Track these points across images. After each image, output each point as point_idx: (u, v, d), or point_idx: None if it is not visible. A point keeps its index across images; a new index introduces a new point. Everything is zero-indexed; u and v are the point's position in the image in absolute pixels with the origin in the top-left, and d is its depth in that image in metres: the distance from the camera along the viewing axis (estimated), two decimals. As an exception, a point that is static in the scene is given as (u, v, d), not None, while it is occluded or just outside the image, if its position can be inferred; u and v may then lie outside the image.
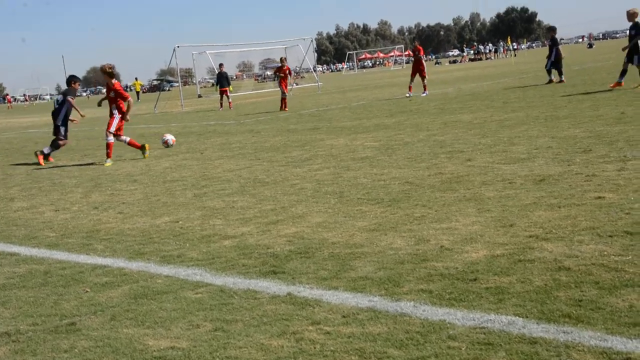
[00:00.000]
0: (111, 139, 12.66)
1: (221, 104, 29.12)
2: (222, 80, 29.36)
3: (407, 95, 23.82)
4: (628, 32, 17.81)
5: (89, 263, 5.53)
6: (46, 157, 13.88)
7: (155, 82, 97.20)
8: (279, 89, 24.83)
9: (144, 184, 9.54)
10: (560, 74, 22.08)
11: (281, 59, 26.27)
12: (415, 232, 5.46)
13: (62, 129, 14.31)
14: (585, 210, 5.55)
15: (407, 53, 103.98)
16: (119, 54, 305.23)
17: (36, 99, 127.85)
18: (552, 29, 23.78)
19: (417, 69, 23.96)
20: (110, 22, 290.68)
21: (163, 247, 5.81)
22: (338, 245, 5.30)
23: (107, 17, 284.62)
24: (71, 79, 14.50)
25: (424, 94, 23.24)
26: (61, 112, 14.28)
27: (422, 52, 24.33)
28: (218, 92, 29.63)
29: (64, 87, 16.53)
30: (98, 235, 6.54)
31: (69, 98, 14.18)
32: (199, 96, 46.88)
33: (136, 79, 64.97)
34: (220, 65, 30.58)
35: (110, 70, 12.66)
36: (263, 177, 9.04)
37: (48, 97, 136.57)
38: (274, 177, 8.94)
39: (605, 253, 4.43)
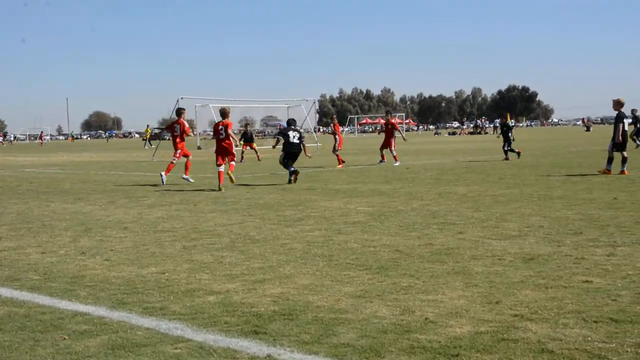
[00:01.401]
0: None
1: (242, 157, 29.76)
2: (247, 137, 31.99)
3: (381, 162, 24.68)
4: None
5: (69, 309, 5.47)
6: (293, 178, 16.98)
7: (156, 131, 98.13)
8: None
9: (134, 232, 9.51)
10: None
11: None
12: (401, 302, 5.43)
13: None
14: (572, 293, 5.54)
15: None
16: (122, 101, 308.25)
17: (36, 138, 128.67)
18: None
19: (388, 140, 24.76)
20: (114, 70, 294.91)
21: (146, 298, 5.76)
22: (322, 310, 5.27)
23: (111, 65, 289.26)
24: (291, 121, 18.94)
25: (397, 164, 23.50)
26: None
27: (396, 127, 25.42)
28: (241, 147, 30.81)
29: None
30: (82, 282, 6.49)
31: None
32: (199, 148, 47.14)
33: (148, 126, 67.10)
34: (246, 125, 33.05)
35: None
36: (254, 234, 9.02)
37: (48, 137, 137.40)
38: (265, 235, 8.93)
39: (590, 339, 4.40)
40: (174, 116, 19.47)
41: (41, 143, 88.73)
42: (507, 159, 24.38)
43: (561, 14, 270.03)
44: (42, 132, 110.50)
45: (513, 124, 26.79)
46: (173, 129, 18.33)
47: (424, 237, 8.46)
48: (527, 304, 5.25)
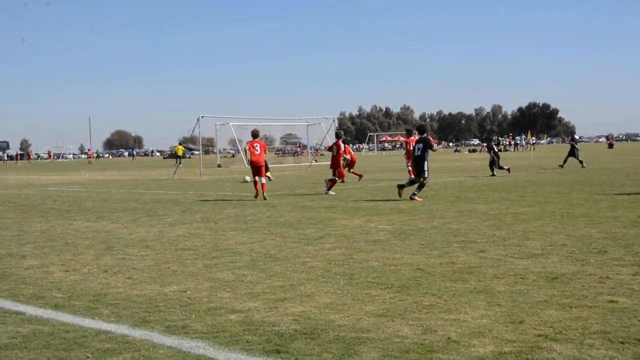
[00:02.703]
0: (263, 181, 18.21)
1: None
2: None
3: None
4: None
5: (93, 327, 5.50)
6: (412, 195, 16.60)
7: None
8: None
9: (156, 250, 9.57)
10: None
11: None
12: (423, 321, 5.39)
13: (426, 172, 17.00)
14: (597, 313, 5.47)
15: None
16: (142, 119, 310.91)
17: (59, 157, 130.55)
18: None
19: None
20: (136, 89, 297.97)
21: (168, 317, 5.78)
22: (344, 329, 5.25)
23: (132, 82, 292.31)
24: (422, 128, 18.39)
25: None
26: (425, 158, 17.04)
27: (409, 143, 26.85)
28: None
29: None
30: (105, 300, 6.53)
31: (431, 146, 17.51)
32: (219, 166, 47.50)
33: (180, 143, 67.45)
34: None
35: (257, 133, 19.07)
36: (274, 253, 9.04)
37: (71, 155, 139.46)
38: (285, 253, 8.94)
39: None
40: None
41: (90, 161, 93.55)
42: (494, 174, 26.31)
43: (582, 30, 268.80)
44: (89, 150, 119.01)
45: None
46: (332, 150, 20.65)
47: (446, 255, 8.42)
48: (551, 324, 5.19)
